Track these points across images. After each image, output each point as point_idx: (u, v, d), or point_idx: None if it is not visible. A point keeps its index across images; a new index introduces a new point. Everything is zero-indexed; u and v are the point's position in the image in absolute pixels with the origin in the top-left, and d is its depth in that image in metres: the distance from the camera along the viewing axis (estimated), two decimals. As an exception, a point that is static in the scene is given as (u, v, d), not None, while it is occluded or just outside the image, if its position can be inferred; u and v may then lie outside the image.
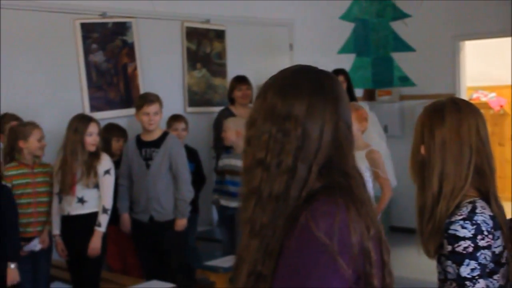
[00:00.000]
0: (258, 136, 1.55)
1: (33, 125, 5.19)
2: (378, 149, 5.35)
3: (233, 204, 5.93)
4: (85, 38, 6.48)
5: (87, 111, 6.27)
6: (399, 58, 8.98)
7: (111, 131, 6.10)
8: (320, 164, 1.53)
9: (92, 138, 5.18)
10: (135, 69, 6.81)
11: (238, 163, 5.93)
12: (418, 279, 6.00)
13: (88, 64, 6.50)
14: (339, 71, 7.10)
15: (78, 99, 6.41)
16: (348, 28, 8.94)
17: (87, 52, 6.49)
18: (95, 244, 5.15)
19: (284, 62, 7.90)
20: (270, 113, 1.55)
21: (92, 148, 5.19)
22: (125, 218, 5.74)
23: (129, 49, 6.79)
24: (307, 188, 1.51)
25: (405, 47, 8.87)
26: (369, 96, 9.13)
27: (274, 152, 1.52)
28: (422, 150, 2.42)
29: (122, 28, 6.75)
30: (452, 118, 2.39)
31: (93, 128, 5.20)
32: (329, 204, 1.46)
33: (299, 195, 1.51)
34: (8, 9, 5.93)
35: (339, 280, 1.42)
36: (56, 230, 5.28)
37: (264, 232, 1.51)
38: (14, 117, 5.52)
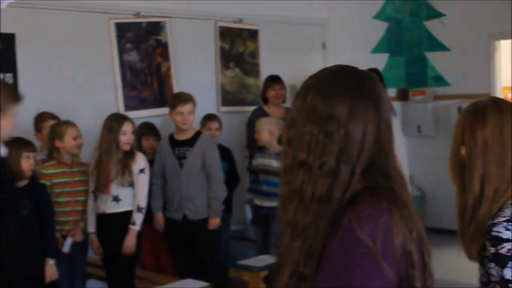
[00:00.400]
0: (299, 137, 1.54)
1: (68, 124, 5.24)
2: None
3: (267, 203, 5.94)
4: (119, 37, 6.53)
5: (121, 110, 6.32)
6: (433, 58, 8.91)
7: (143, 130, 6.14)
8: (363, 165, 1.52)
9: (126, 137, 5.21)
10: (168, 68, 6.85)
11: (272, 162, 5.93)
12: (457, 281, 5.94)
13: (122, 63, 6.54)
14: (372, 71, 7.05)
15: (113, 99, 6.46)
16: (381, 27, 8.90)
17: (121, 51, 6.54)
18: (130, 242, 5.17)
19: (317, 62, 7.90)
20: (312, 114, 1.54)
21: (126, 147, 5.22)
22: (159, 216, 5.76)
23: (163, 48, 6.83)
24: (350, 190, 1.50)
25: (440, 47, 8.80)
26: (403, 96, 9.07)
27: (316, 153, 1.51)
28: (463, 151, 2.38)
29: (156, 28, 6.79)
30: (495, 119, 2.35)
31: (127, 127, 5.22)
32: (372, 207, 1.45)
33: (342, 196, 1.50)
34: (44, 9, 6.00)
35: (382, 283, 1.41)
36: (91, 228, 5.31)
37: (306, 233, 1.50)
38: (51, 115, 5.57)
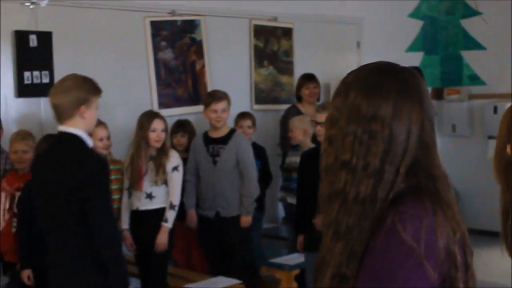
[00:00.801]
0: (342, 137, 1.53)
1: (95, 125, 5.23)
2: None
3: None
4: (154, 36, 6.57)
5: (155, 108, 6.36)
6: (469, 56, 8.81)
7: (177, 127, 6.17)
8: (407, 166, 1.50)
9: (155, 134, 5.21)
10: (203, 66, 6.87)
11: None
12: (497, 283, 5.86)
13: (157, 61, 6.59)
14: (413, 69, 7.01)
15: (147, 96, 6.51)
16: (416, 26, 8.84)
17: (156, 49, 6.58)
18: (162, 239, 5.19)
19: (351, 60, 7.88)
20: (355, 114, 1.52)
21: (156, 144, 5.23)
22: (192, 214, 5.78)
23: (197, 46, 6.86)
24: (394, 190, 1.49)
25: (475, 45, 8.71)
26: (437, 95, 8.99)
27: (360, 154, 1.50)
28: (508, 149, 2.33)
29: (190, 26, 6.82)
30: None
31: (156, 125, 5.23)
32: (416, 207, 1.44)
33: (386, 197, 1.48)
34: (81, 8, 6.06)
35: (424, 284, 1.40)
36: (125, 225, 5.35)
37: (350, 234, 1.49)
38: None
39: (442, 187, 1.52)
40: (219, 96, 5.62)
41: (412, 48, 8.80)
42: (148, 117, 5.29)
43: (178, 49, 6.73)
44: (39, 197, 3.69)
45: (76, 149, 3.54)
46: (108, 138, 5.28)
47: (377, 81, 1.54)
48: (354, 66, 1.66)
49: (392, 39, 8.44)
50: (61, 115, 3.56)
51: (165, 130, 5.31)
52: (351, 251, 1.48)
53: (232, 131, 5.72)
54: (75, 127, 3.55)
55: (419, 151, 1.52)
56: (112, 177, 5.29)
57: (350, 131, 1.51)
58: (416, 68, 7.19)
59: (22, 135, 5.04)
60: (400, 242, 1.40)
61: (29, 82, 5.79)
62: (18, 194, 4.90)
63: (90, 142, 3.62)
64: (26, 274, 4.69)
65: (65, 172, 3.46)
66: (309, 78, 7.04)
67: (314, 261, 1.60)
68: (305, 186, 4.86)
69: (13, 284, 4.91)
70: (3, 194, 4.97)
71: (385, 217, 1.45)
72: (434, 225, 1.42)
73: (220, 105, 5.58)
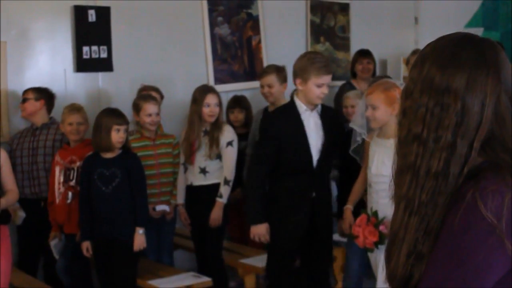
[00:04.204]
0: (415, 109, 1.50)
1: (145, 100, 5.25)
2: None
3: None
4: (211, 11, 6.57)
5: (211, 83, 6.36)
6: (530, 33, 8.61)
7: (232, 103, 6.18)
8: (481, 139, 1.46)
9: (209, 109, 5.20)
10: (259, 42, 6.86)
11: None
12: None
13: (213, 37, 6.59)
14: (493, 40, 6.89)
15: (203, 72, 6.53)
16: (476, 1, 8.65)
17: (212, 25, 6.58)
18: (216, 214, 5.19)
19: (409, 36, 7.79)
20: (428, 85, 1.49)
21: (209, 119, 5.22)
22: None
23: (254, 22, 6.84)
24: (469, 165, 1.45)
25: (537, 21, 8.50)
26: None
27: (432, 127, 1.47)
28: None
29: (247, 1, 6.80)
30: None
31: (210, 99, 5.21)
32: (498, 183, 1.39)
33: (460, 172, 1.45)
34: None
35: (504, 263, 1.36)
36: (180, 200, 5.38)
37: (423, 210, 1.46)
38: (152, 88, 5.66)
39: None
40: (264, 70, 5.64)
41: (471, 23, 8.62)
42: (202, 91, 5.28)
43: (234, 25, 6.72)
44: None
45: None
46: (157, 114, 5.28)
47: (452, 52, 1.50)
48: (411, 43, 1.63)
49: (450, 14, 8.27)
50: None
51: (219, 104, 5.28)
52: (427, 227, 1.46)
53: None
54: None
55: (495, 125, 1.47)
56: (162, 150, 5.34)
57: (422, 103, 1.49)
58: (498, 42, 7.05)
59: (77, 108, 5.12)
60: (480, 218, 1.36)
61: (88, 57, 5.86)
62: (72, 166, 4.99)
63: None
64: (85, 246, 4.78)
65: None
66: (363, 53, 6.97)
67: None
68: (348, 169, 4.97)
69: (74, 255, 5.02)
70: (57, 168, 5.05)
71: (464, 192, 1.40)
72: None
73: (264, 80, 5.57)
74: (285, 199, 4.62)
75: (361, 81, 6.87)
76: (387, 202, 3.80)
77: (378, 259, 4.12)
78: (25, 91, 5.37)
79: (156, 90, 5.64)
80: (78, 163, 4.97)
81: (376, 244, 4.07)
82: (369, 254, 4.28)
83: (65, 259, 5.09)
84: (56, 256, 5.10)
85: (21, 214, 4.91)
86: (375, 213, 4.09)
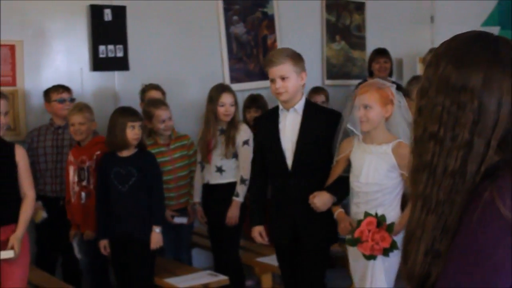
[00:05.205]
0: (431, 108, 1.49)
1: (156, 107, 5.23)
2: (407, 142, 3.90)
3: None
4: (226, 10, 6.58)
5: (227, 82, 6.37)
6: (547, 32, 8.56)
7: (248, 102, 6.17)
8: (498, 138, 1.45)
9: (224, 108, 5.20)
10: (274, 41, 6.85)
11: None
12: None
13: (229, 35, 6.60)
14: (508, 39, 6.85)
15: (219, 71, 6.53)
16: (492, 0, 8.61)
17: (228, 24, 6.58)
18: (233, 213, 5.20)
19: (425, 35, 7.75)
20: (444, 84, 1.48)
21: (225, 118, 5.23)
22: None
23: (269, 21, 6.84)
24: (486, 164, 1.44)
25: (554, 20, 8.44)
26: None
27: (448, 125, 1.46)
28: None
29: (262, 0, 6.82)
30: None
31: (225, 98, 5.22)
32: None
33: (477, 170, 1.44)
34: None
35: None
36: (197, 198, 5.40)
37: (441, 208, 1.46)
38: (153, 86, 5.64)
39: None
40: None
41: (487, 22, 8.57)
42: (217, 90, 5.29)
43: (250, 24, 6.73)
44: None
45: None
46: (170, 118, 5.27)
47: (468, 50, 1.49)
48: (427, 42, 1.61)
49: (467, 13, 8.22)
50: None
51: (234, 103, 5.29)
52: (445, 226, 1.45)
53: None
54: None
55: (511, 124, 1.46)
56: (177, 154, 5.33)
57: (438, 102, 1.48)
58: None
59: (79, 107, 5.06)
60: (498, 217, 1.35)
61: (104, 55, 5.88)
62: (83, 166, 4.99)
63: None
64: (103, 244, 4.79)
65: None
66: (380, 52, 6.96)
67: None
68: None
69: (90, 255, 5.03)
70: (71, 168, 5.06)
71: (481, 191, 1.40)
72: None
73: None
74: (271, 203, 4.48)
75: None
76: (381, 212, 3.76)
77: (356, 268, 3.98)
78: (59, 91, 5.37)
79: (158, 88, 5.63)
80: (87, 163, 4.97)
81: (387, 251, 3.71)
82: (351, 261, 4.03)
83: (86, 257, 5.10)
84: (77, 254, 5.11)
85: (43, 215, 4.93)
86: (383, 217, 3.75)
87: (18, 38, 5.53)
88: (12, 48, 5.51)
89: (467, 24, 8.02)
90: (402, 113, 3.91)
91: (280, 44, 6.83)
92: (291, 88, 4.12)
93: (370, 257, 3.76)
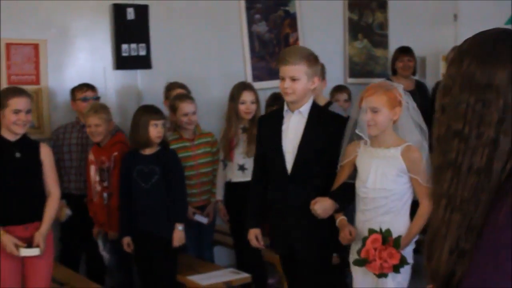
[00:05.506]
0: (455, 105, 1.47)
1: (181, 100, 5.23)
2: (416, 144, 3.80)
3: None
4: (248, 8, 6.58)
5: (249, 80, 6.37)
6: None
7: (270, 100, 6.16)
8: None
9: (245, 106, 5.23)
10: (296, 39, 6.84)
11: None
12: None
13: (251, 34, 6.60)
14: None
15: (241, 69, 6.54)
16: (516, -3, 8.55)
17: (250, 22, 6.59)
18: (255, 211, 5.19)
19: (448, 34, 7.71)
20: (468, 82, 1.46)
21: (246, 116, 5.24)
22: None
23: (291, 19, 6.83)
24: (511, 162, 1.43)
25: None
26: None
27: (473, 123, 1.44)
28: None
29: (285, -1, 6.81)
30: None
31: (246, 96, 5.24)
32: None
33: (503, 168, 1.42)
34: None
35: None
36: (219, 196, 5.41)
37: (466, 207, 1.44)
38: (179, 85, 5.66)
39: None
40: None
41: (511, 20, 8.50)
42: (238, 89, 5.31)
43: (272, 22, 6.72)
44: None
45: None
46: (194, 113, 5.24)
47: (492, 48, 1.47)
48: (450, 40, 1.59)
49: (490, 11, 8.16)
50: None
51: (256, 101, 5.31)
52: (470, 224, 1.43)
53: (328, 104, 5.60)
54: None
55: None
56: (201, 151, 5.33)
57: (462, 99, 1.46)
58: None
59: (95, 108, 5.07)
60: None
61: (127, 54, 5.90)
62: (104, 167, 5.01)
63: None
64: (126, 241, 4.81)
65: None
66: (404, 50, 6.92)
67: None
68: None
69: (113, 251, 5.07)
70: (92, 167, 5.09)
71: (507, 189, 1.39)
72: None
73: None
74: (269, 209, 4.24)
75: (402, 78, 6.81)
76: (389, 220, 3.66)
77: (364, 284, 3.83)
78: (83, 89, 5.41)
79: (183, 86, 5.63)
80: (107, 164, 4.99)
81: (397, 268, 3.56)
82: (355, 277, 3.87)
83: (112, 255, 5.13)
84: (102, 252, 5.15)
85: (67, 212, 4.98)
86: (388, 232, 3.58)
87: (42, 37, 5.56)
88: (36, 47, 5.55)
89: (490, 22, 7.96)
90: (410, 114, 3.76)
91: (302, 43, 6.82)
92: (299, 91, 3.94)
93: (381, 275, 3.61)
